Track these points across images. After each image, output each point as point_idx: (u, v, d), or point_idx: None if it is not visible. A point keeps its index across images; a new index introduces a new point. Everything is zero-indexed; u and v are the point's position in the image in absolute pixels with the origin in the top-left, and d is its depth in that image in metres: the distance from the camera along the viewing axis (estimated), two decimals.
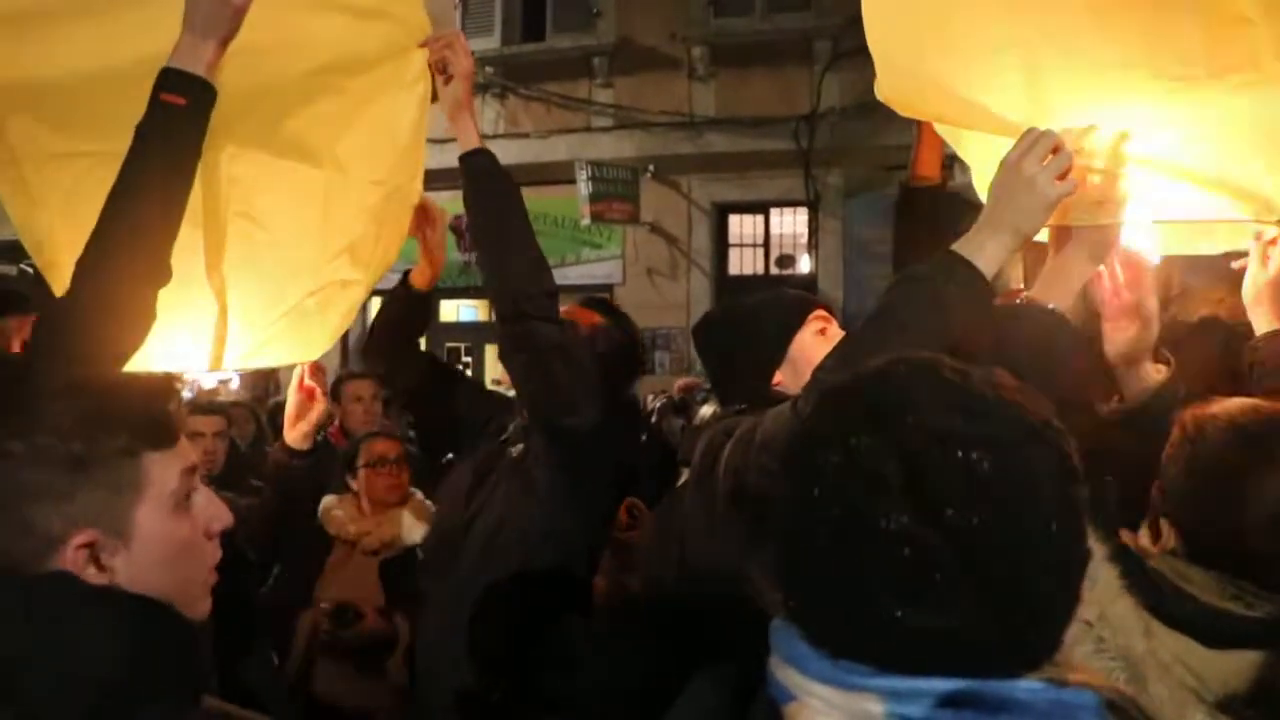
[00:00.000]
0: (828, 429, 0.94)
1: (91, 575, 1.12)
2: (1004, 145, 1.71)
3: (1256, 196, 1.65)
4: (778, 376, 2.08)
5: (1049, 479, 0.90)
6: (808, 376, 2.02)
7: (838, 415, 0.95)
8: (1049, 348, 1.64)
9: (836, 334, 2.12)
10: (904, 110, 2.01)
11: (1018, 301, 1.74)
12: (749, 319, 2.17)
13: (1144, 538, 1.63)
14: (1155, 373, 1.86)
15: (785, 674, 0.95)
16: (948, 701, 0.87)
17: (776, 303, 2.18)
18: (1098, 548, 1.44)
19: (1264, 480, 1.49)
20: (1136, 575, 1.48)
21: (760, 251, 11.41)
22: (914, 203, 2.32)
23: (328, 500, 3.63)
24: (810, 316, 2.12)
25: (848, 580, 0.90)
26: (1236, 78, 1.57)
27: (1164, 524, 1.60)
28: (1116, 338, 1.83)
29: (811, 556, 0.92)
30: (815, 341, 2.09)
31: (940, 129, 2.11)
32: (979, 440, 0.88)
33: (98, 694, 1.04)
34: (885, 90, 1.94)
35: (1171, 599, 1.49)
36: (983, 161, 1.95)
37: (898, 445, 0.89)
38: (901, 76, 1.92)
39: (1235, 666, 1.44)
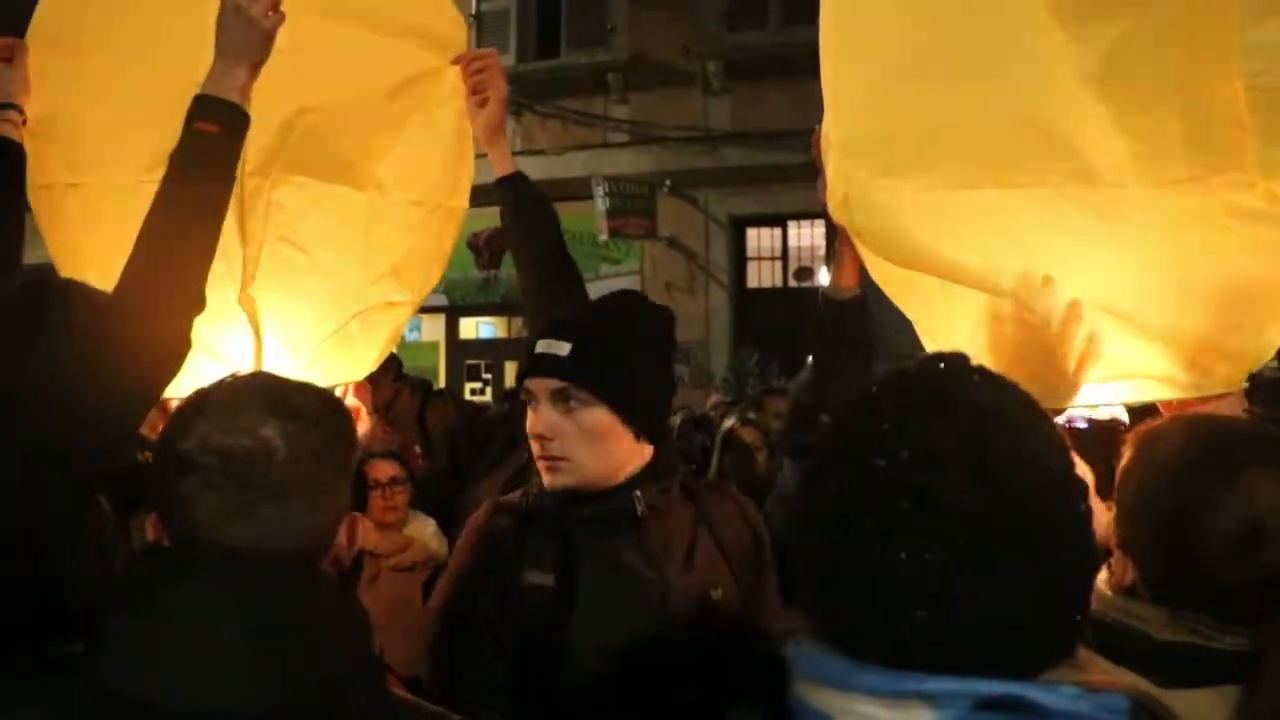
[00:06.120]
0: (883, 425, 0.93)
1: None
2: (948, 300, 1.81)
3: (1225, 356, 1.67)
4: None
5: (1068, 454, 0.97)
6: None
7: (889, 408, 0.95)
8: None
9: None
10: (881, 271, 2.03)
11: None
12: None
13: (1101, 575, 1.45)
14: None
15: (820, 697, 0.91)
16: (985, 705, 0.86)
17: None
18: None
19: (1222, 502, 1.32)
20: None
21: (778, 264, 11.44)
22: (836, 314, 2.29)
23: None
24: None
25: (911, 568, 0.88)
26: (1221, 179, 1.58)
27: (1119, 556, 1.45)
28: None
29: (873, 554, 0.90)
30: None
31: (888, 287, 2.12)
32: (1027, 415, 0.95)
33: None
34: (868, 239, 1.95)
35: (1124, 634, 1.36)
36: (923, 313, 2.04)
37: (960, 424, 0.91)
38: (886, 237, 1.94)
39: (1203, 709, 1.26)
